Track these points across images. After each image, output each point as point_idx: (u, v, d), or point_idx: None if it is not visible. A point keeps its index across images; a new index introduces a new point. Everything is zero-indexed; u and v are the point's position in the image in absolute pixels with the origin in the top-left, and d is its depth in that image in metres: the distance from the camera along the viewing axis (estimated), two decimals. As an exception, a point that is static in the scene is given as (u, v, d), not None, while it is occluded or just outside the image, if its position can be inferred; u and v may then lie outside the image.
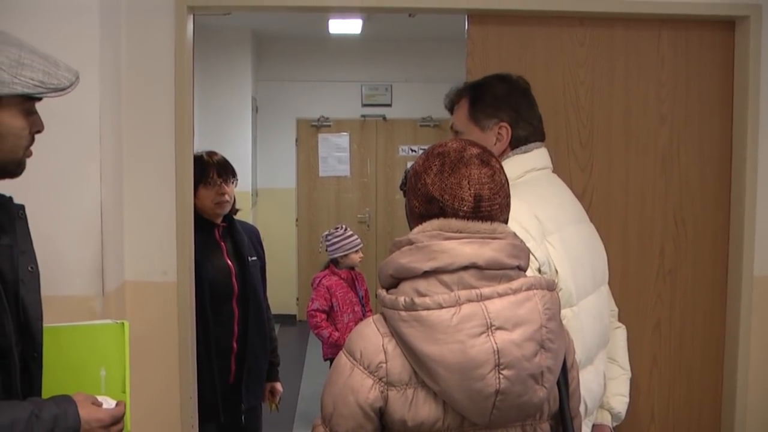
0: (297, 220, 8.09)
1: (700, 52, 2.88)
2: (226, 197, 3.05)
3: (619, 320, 2.26)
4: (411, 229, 1.45)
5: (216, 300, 2.98)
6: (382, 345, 1.36)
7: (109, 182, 2.46)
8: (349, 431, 1.39)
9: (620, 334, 2.21)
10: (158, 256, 2.66)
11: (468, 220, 1.38)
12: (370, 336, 1.39)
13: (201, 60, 3.03)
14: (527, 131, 1.96)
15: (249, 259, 3.13)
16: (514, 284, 1.37)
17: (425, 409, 1.36)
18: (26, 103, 1.50)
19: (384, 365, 1.35)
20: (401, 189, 1.55)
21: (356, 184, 8.11)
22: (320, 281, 4.71)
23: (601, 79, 2.85)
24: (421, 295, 1.35)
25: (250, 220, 5.88)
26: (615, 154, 2.87)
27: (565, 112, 2.83)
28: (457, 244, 1.36)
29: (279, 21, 6.97)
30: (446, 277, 1.35)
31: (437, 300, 1.33)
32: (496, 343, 1.32)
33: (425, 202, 1.41)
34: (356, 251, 4.70)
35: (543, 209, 1.86)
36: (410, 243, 1.39)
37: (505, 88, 1.99)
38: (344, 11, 5.49)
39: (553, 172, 2.11)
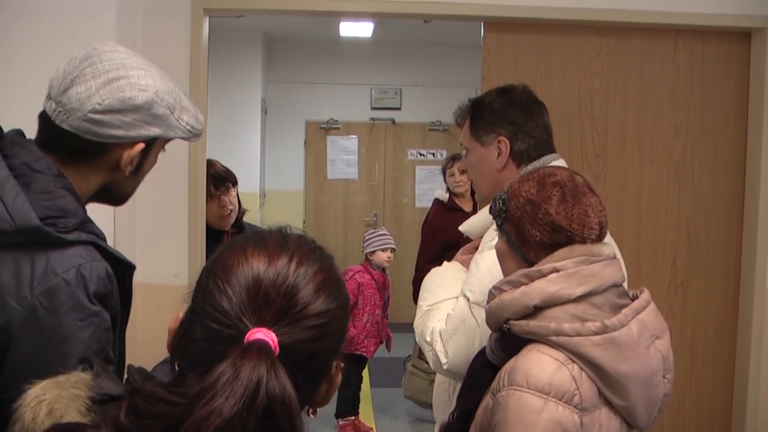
0: (304, 222, 8.07)
1: (716, 63, 2.88)
2: (228, 209, 3.02)
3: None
4: (520, 254, 1.45)
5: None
6: (571, 373, 1.36)
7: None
8: None
9: None
10: (169, 258, 2.66)
11: (594, 244, 1.45)
12: (550, 367, 1.36)
13: (211, 61, 3.02)
14: (527, 143, 1.92)
15: None
16: (644, 296, 1.46)
17: (611, 427, 1.40)
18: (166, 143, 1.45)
19: (578, 392, 1.35)
20: (496, 217, 1.49)
21: (364, 187, 8.09)
22: (353, 275, 4.61)
23: (616, 89, 2.84)
24: (581, 319, 1.38)
25: (257, 221, 5.88)
26: (629, 163, 2.86)
27: (580, 121, 2.82)
28: (601, 267, 1.42)
29: (290, 23, 6.97)
30: (596, 299, 1.40)
31: (620, 319, 1.38)
32: (660, 351, 1.43)
33: (550, 231, 1.42)
34: (383, 249, 4.64)
35: None
36: (556, 270, 1.40)
37: (502, 101, 1.97)
38: (359, 16, 5.48)
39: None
